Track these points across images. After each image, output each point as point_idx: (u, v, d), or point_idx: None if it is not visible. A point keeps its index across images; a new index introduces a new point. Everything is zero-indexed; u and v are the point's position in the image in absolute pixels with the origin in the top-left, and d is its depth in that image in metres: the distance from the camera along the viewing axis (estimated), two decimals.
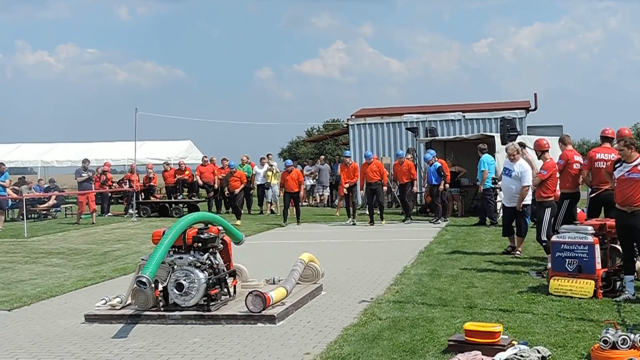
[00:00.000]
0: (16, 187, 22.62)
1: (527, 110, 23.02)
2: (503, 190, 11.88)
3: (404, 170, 18.01)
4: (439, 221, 16.77)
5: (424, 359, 5.52)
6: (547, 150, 10.28)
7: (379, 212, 17.31)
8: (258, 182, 22.94)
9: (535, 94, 23.63)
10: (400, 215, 18.85)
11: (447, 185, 17.45)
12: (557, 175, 10.05)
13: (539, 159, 10.42)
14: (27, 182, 23.86)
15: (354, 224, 17.31)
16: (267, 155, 24.08)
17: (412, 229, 16.07)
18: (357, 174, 17.57)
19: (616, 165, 7.95)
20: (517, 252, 11.18)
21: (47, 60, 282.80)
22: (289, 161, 19.28)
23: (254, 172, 22.74)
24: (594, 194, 9.79)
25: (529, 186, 10.85)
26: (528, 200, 11.12)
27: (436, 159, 17.44)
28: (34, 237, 16.86)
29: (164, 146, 30.69)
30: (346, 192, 17.87)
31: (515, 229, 11.41)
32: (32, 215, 22.34)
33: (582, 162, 10.08)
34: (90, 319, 7.45)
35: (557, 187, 10.25)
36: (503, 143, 15.26)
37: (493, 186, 15.92)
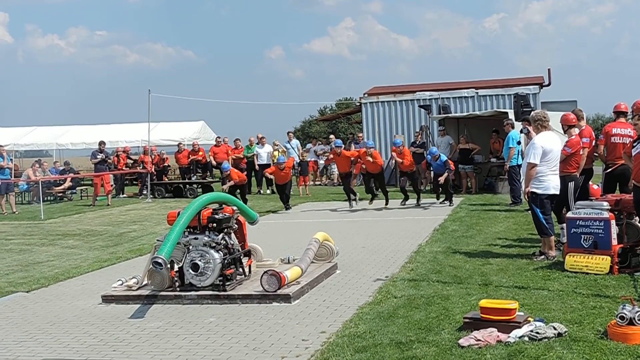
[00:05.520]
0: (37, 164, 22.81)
1: (541, 85, 22.79)
2: None
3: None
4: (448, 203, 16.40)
5: (440, 337, 5.52)
6: (574, 126, 9.85)
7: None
8: (262, 162, 22.44)
9: (548, 69, 23.34)
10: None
11: (452, 174, 16.93)
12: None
13: (564, 133, 9.91)
14: (43, 164, 24.01)
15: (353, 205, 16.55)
16: (287, 134, 24.02)
17: (425, 207, 15.99)
18: (349, 162, 16.24)
19: (634, 144, 7.92)
20: (549, 255, 8.55)
21: (58, 44, 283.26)
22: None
23: (255, 152, 22.45)
24: (609, 170, 9.71)
25: (533, 165, 8.37)
26: (539, 188, 8.45)
27: (440, 154, 16.41)
28: (50, 219, 17.01)
29: (177, 127, 30.74)
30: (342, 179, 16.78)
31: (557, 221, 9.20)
32: (48, 198, 22.52)
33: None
34: (107, 299, 7.53)
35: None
36: (517, 119, 15.13)
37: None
